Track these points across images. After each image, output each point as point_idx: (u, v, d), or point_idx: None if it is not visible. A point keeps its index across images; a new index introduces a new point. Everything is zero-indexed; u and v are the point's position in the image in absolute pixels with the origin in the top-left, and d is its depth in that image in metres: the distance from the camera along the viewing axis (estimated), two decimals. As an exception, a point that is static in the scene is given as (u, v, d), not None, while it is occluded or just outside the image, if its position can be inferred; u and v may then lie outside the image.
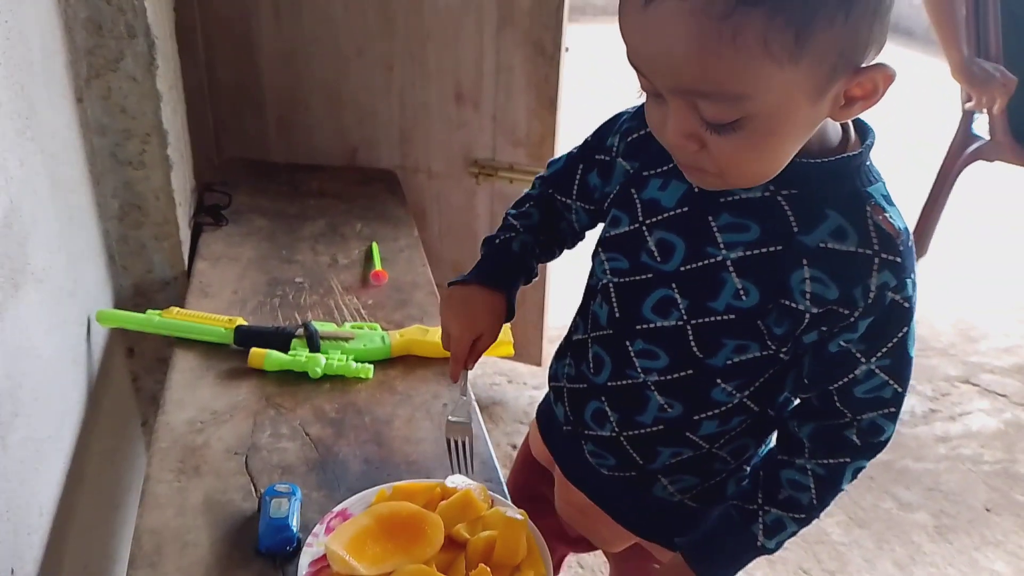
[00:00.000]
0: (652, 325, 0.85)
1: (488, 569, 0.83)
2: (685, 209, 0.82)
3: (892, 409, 0.81)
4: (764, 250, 0.77)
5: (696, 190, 0.80)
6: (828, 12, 0.61)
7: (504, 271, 0.98)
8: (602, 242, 0.91)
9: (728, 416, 0.87)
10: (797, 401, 0.88)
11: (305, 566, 0.85)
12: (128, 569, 0.87)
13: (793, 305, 0.77)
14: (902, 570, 1.87)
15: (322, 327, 1.25)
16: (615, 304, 0.88)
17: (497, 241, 1.00)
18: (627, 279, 0.87)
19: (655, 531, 1.00)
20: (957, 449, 2.30)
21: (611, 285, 0.89)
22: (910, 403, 2.49)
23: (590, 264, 0.95)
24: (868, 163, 0.77)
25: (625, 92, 0.93)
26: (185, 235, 1.52)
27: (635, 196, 0.86)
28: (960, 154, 2.80)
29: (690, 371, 0.85)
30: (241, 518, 0.94)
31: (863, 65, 0.66)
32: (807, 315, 0.77)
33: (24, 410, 0.95)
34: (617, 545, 1.04)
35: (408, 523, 0.88)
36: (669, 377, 0.86)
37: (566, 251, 1.06)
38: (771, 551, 0.87)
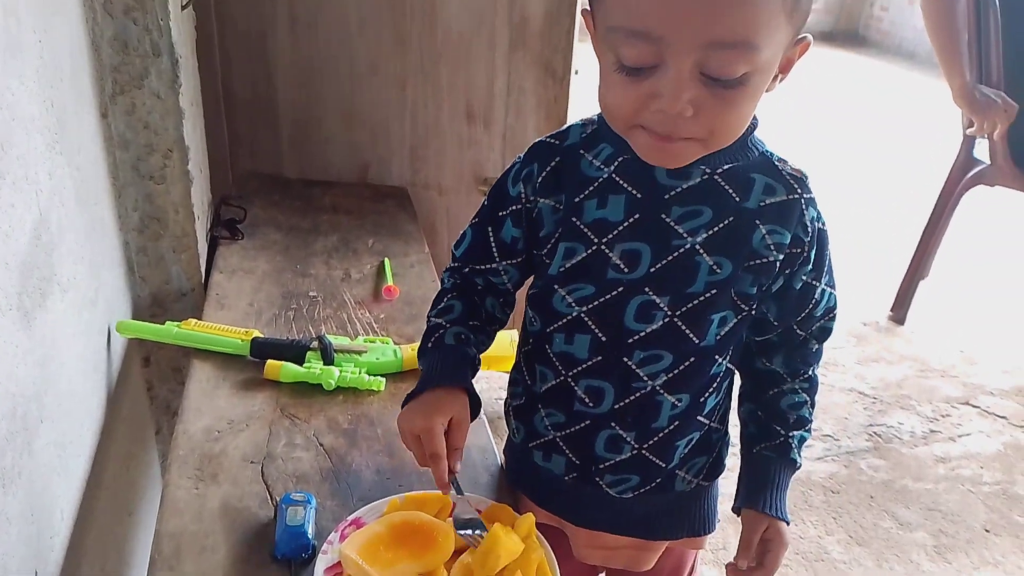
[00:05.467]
0: (642, 333, 0.89)
1: None
2: (637, 216, 0.86)
3: (836, 311, 0.96)
4: (721, 225, 0.86)
5: (638, 196, 0.86)
6: None
7: (448, 368, 0.93)
8: (555, 279, 0.91)
9: (720, 385, 0.96)
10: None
11: (320, 572, 0.87)
12: (148, 571, 0.89)
13: (764, 260, 0.87)
14: (901, 589, 1.89)
15: (336, 340, 1.28)
16: (596, 331, 0.90)
17: (429, 345, 0.96)
18: (598, 302, 0.89)
19: (681, 527, 1.04)
20: (956, 470, 2.32)
21: (583, 315, 0.90)
22: (911, 423, 2.51)
23: (528, 315, 0.97)
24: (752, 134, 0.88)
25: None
26: (202, 248, 1.55)
27: (578, 223, 0.88)
28: (961, 178, 2.84)
29: (692, 359, 0.90)
30: (257, 524, 0.96)
31: (799, 36, 0.77)
32: (777, 263, 0.88)
33: (49, 416, 0.98)
34: (651, 560, 1.06)
35: (419, 531, 0.91)
36: (675, 372, 0.91)
37: (500, 327, 1.04)
38: (800, 465, 1.00)
